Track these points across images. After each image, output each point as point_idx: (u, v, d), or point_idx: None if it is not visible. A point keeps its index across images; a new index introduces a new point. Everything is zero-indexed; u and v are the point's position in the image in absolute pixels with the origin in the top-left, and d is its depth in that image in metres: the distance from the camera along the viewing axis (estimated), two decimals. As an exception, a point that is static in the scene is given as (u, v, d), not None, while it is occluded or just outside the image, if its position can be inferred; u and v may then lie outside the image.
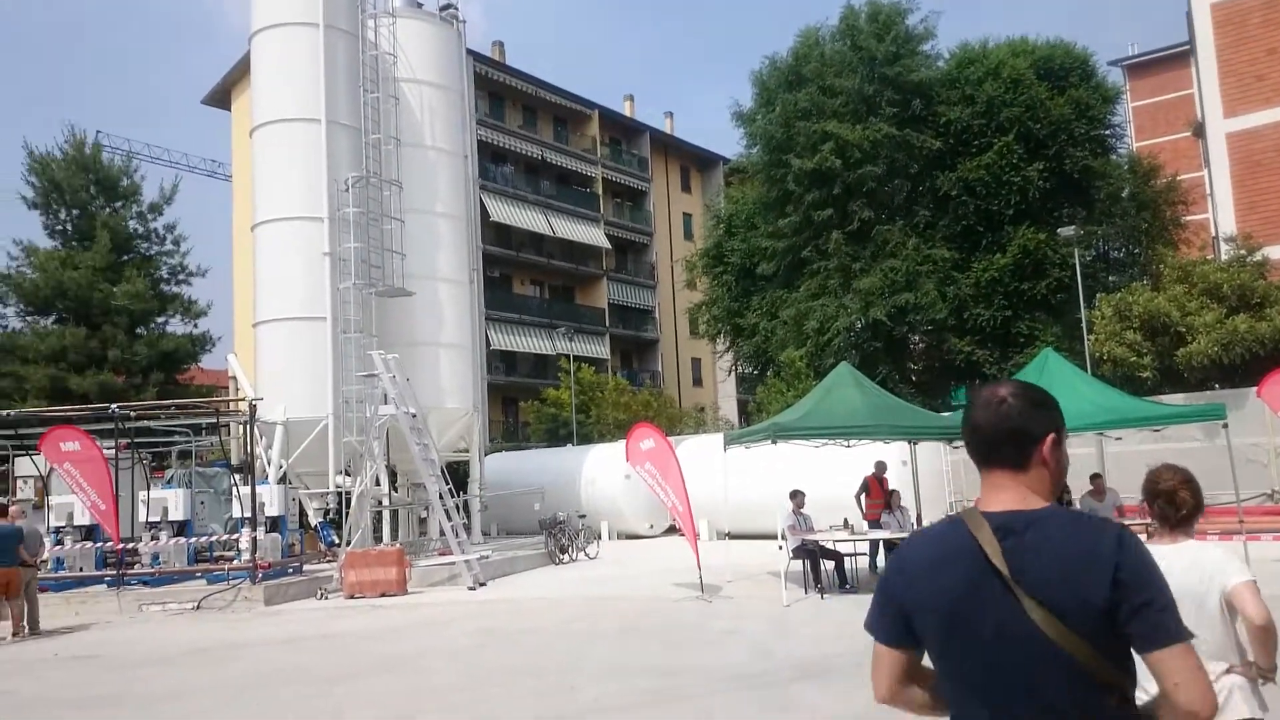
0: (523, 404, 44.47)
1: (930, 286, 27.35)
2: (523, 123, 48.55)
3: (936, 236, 28.85)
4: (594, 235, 49.47)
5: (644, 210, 54.22)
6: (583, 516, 22.98)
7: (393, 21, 23.07)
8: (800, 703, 7.74)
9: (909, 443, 16.76)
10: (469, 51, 26.19)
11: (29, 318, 33.57)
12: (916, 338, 30.73)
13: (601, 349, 48.80)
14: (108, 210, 34.40)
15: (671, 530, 26.21)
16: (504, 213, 44.44)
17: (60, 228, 34.34)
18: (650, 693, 8.26)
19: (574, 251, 49.79)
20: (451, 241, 23.79)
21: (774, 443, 13.39)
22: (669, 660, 9.68)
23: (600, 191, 51.03)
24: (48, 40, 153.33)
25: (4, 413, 20.30)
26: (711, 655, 9.88)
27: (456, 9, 25.15)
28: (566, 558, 20.98)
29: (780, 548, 13.74)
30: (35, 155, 33.97)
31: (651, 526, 26.54)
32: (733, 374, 41.13)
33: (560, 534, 21.22)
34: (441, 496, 18.32)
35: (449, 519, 18.09)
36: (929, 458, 19.06)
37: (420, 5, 24.52)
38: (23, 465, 22.16)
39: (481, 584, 17.05)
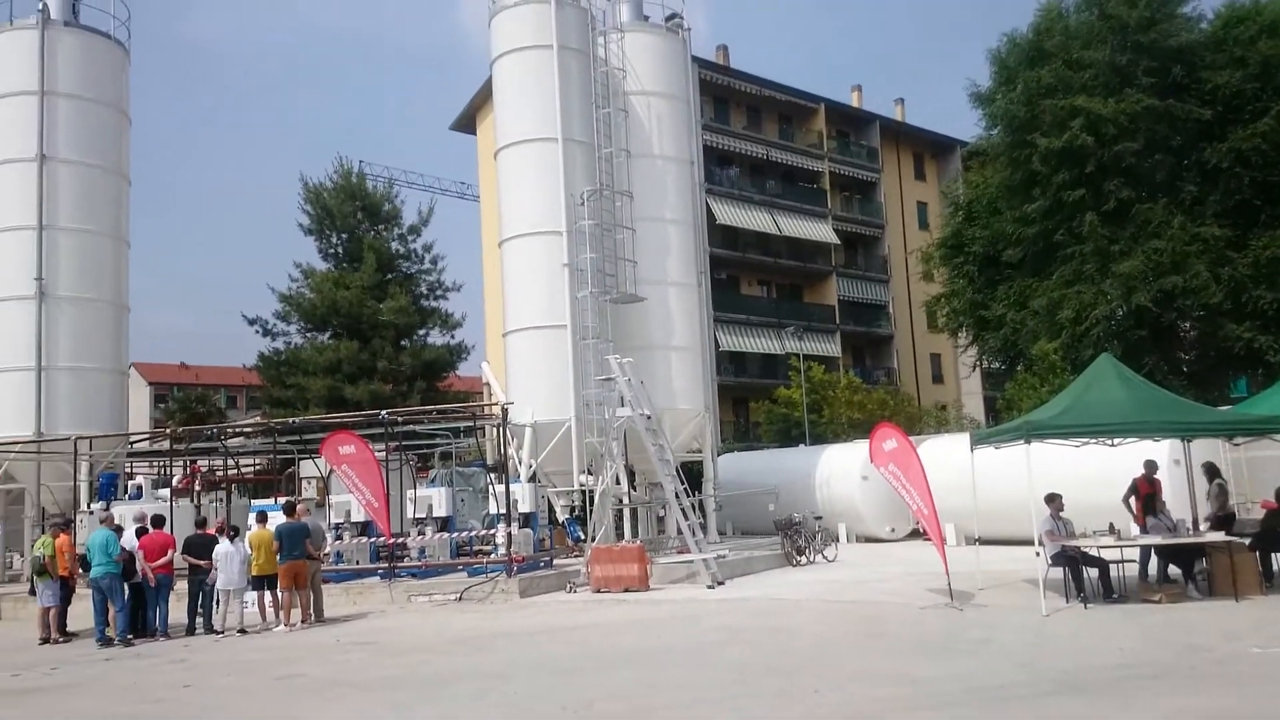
0: (753, 404, 44.49)
1: (1201, 268, 24.85)
2: (747, 124, 48.62)
3: (1206, 214, 26.17)
4: (822, 231, 48.74)
5: (874, 202, 52.80)
6: (819, 518, 22.67)
7: (621, 37, 23.80)
8: (1061, 717, 7.26)
9: (1182, 440, 15.30)
10: (694, 59, 26.63)
11: (309, 334, 37.38)
12: (1187, 325, 28.01)
13: (832, 347, 47.98)
14: (373, 234, 37.70)
15: (914, 534, 25.31)
16: (730, 215, 44.68)
17: (333, 251, 38.01)
18: (898, 700, 8.03)
19: (801, 249, 49.26)
20: (680, 247, 24.21)
21: (1027, 442, 12.65)
22: (916, 668, 9.37)
23: (827, 186, 50.20)
24: (323, 82, 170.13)
25: (290, 420, 22.70)
26: (962, 664, 9.46)
27: (682, 19, 25.61)
28: (804, 559, 20.76)
29: (1037, 554, 12.95)
30: (310, 186, 37.81)
31: (892, 530, 25.76)
32: (977, 369, 39.20)
33: (797, 535, 21.04)
34: (677, 495, 18.67)
35: (685, 518, 18.42)
36: (1207, 456, 17.30)
37: (647, 19, 25.14)
38: (306, 467, 24.65)
39: (720, 582, 17.21)
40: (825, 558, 21.08)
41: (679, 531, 19.21)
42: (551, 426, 21.33)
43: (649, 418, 19.47)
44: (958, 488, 16.27)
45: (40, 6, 23.61)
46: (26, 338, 22.49)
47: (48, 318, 22.70)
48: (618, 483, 20.42)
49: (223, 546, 14.80)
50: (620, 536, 20.79)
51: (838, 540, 23.45)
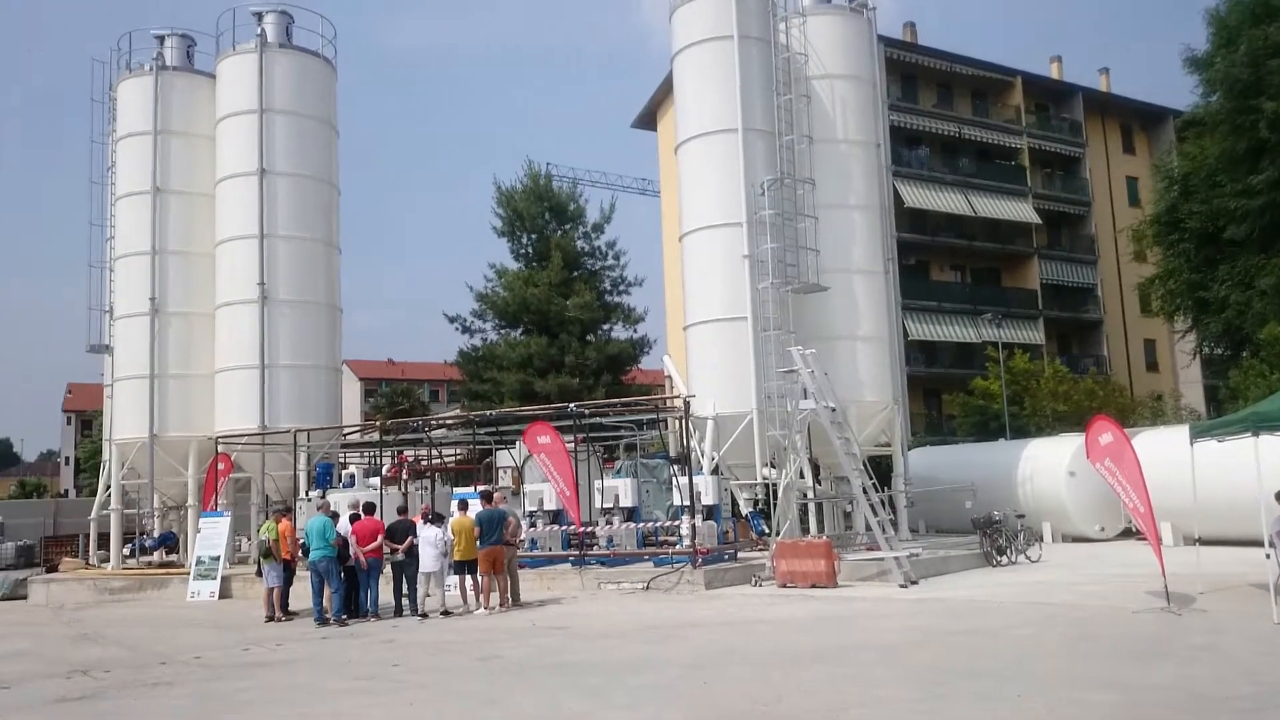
0: (946, 396, 42.75)
1: None
2: (937, 101, 46.70)
3: None
4: (1021, 211, 46.16)
5: (1078, 179, 49.53)
6: (1021, 516, 21.51)
7: (803, 21, 23.35)
8: (1307, 741, 6.55)
9: None
10: (879, 38, 25.77)
11: (502, 331, 38.96)
12: None
13: (1034, 334, 45.39)
14: (559, 233, 38.84)
15: (1126, 534, 23.64)
16: (919, 197, 43.05)
17: (523, 251, 39.42)
18: (1110, 708, 7.48)
19: (998, 231, 46.83)
20: (865, 233, 23.54)
21: (1255, 435, 11.51)
22: (1130, 675, 8.71)
23: (1026, 163, 47.50)
24: (513, 88, 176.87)
25: (487, 412, 23.72)
26: (1181, 672, 8.72)
27: (865, -2, 24.83)
28: (1004, 560, 19.78)
29: (1268, 556, 11.77)
30: (502, 190, 39.36)
31: (1102, 529, 24.12)
32: (1196, 356, 36.06)
33: (997, 534, 20.06)
34: (865, 491, 18.19)
35: (875, 514, 17.92)
36: None
37: (829, 0, 24.54)
38: (502, 457, 25.68)
39: (913, 582, 16.64)
40: (1028, 558, 20.01)
41: (867, 528, 18.73)
42: (733, 419, 21.26)
43: (834, 410, 19.05)
44: (1175, 485, 15.02)
45: (258, 31, 25.65)
46: (251, 339, 24.51)
47: (269, 320, 24.65)
48: (802, 476, 20.11)
49: (425, 532, 15.59)
50: (805, 531, 20.48)
51: (1041, 540, 22.19)
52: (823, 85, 23.41)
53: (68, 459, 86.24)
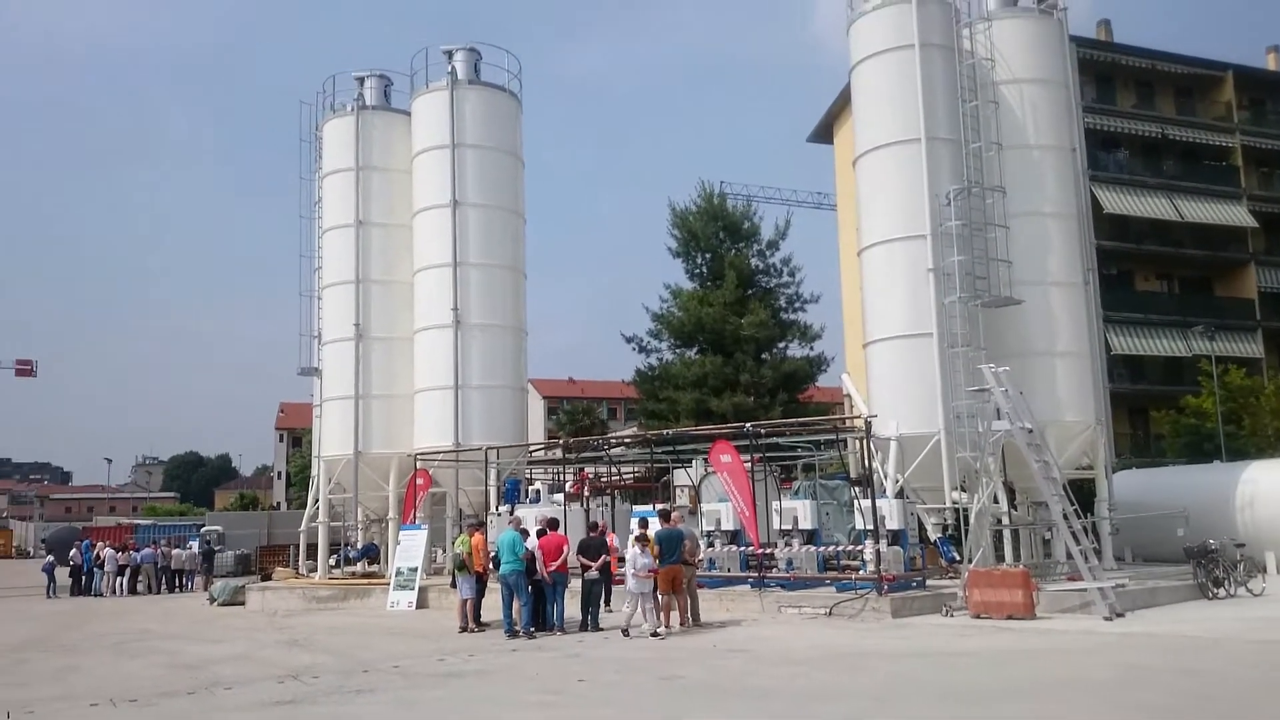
0: (1155, 414, 39.71)
1: None
2: (1137, 101, 43.75)
3: None
4: (1234, 214, 42.46)
5: (1302, 178, 45.17)
6: (1240, 545, 19.69)
7: (988, 26, 22.45)
8: None
9: None
10: (1071, 38, 24.45)
11: (677, 350, 39.29)
12: None
13: (1252, 347, 41.55)
14: (733, 251, 38.88)
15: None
16: (1119, 203, 40.36)
17: (697, 271, 39.69)
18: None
19: (1209, 236, 43.26)
20: (1061, 242, 22.30)
21: None
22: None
23: (1240, 163, 43.72)
24: (686, 106, 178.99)
25: (665, 431, 23.93)
26: None
27: (1056, -3, 23.63)
28: (1222, 592, 18.16)
29: None
30: (676, 211, 39.80)
31: (1339, 561, 21.76)
32: None
33: (1213, 564, 18.45)
34: (1066, 517, 17.14)
35: (1077, 542, 16.85)
36: None
37: (1015, 2, 23.51)
38: (679, 476, 25.82)
39: (1119, 614, 15.52)
40: (1249, 591, 18.31)
41: (1068, 556, 17.62)
42: (918, 440, 20.53)
43: (1030, 431, 18.08)
44: None
45: (449, 69, 27.12)
46: (446, 361, 25.80)
47: (462, 343, 25.88)
48: (995, 501, 19.17)
49: (632, 553, 15.29)
50: (1000, 559, 19.48)
51: (1264, 571, 20.25)
52: (1011, 90, 22.41)
53: (280, 473, 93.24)
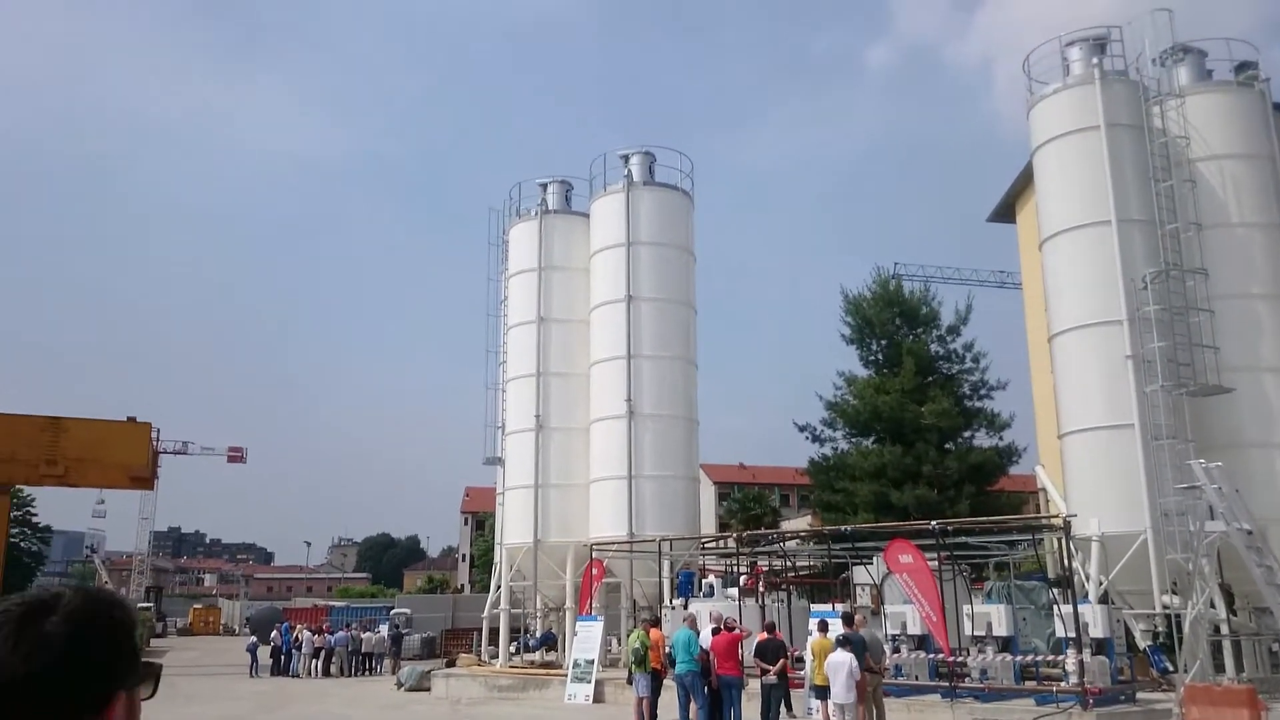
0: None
1: None
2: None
3: None
4: None
5: None
6: None
7: (1180, 103, 21.42)
8: None
9: None
10: (1276, 107, 22.88)
11: (853, 439, 38.29)
12: None
13: None
14: (910, 337, 37.87)
15: None
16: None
17: (873, 358, 38.80)
18: None
19: None
20: (1275, 325, 20.59)
21: None
22: None
23: None
24: (860, 189, 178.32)
25: (844, 528, 23.26)
26: None
27: (1257, 68, 22.32)
28: None
29: None
30: (849, 298, 39.30)
31: None
32: None
33: None
34: (1300, 629, 15.42)
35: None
36: None
37: (1210, 74, 22.36)
38: (859, 573, 24.95)
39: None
40: None
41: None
42: (1123, 539, 19.10)
43: (1249, 533, 16.51)
44: None
45: (625, 172, 28.25)
46: (620, 451, 26.22)
47: (635, 433, 26.29)
48: (1212, 607, 17.49)
49: (836, 657, 14.39)
50: (1220, 671, 17.67)
51: None
52: (1209, 167, 21.18)
53: (464, 555, 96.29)
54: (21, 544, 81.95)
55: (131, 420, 37.37)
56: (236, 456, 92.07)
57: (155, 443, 38.63)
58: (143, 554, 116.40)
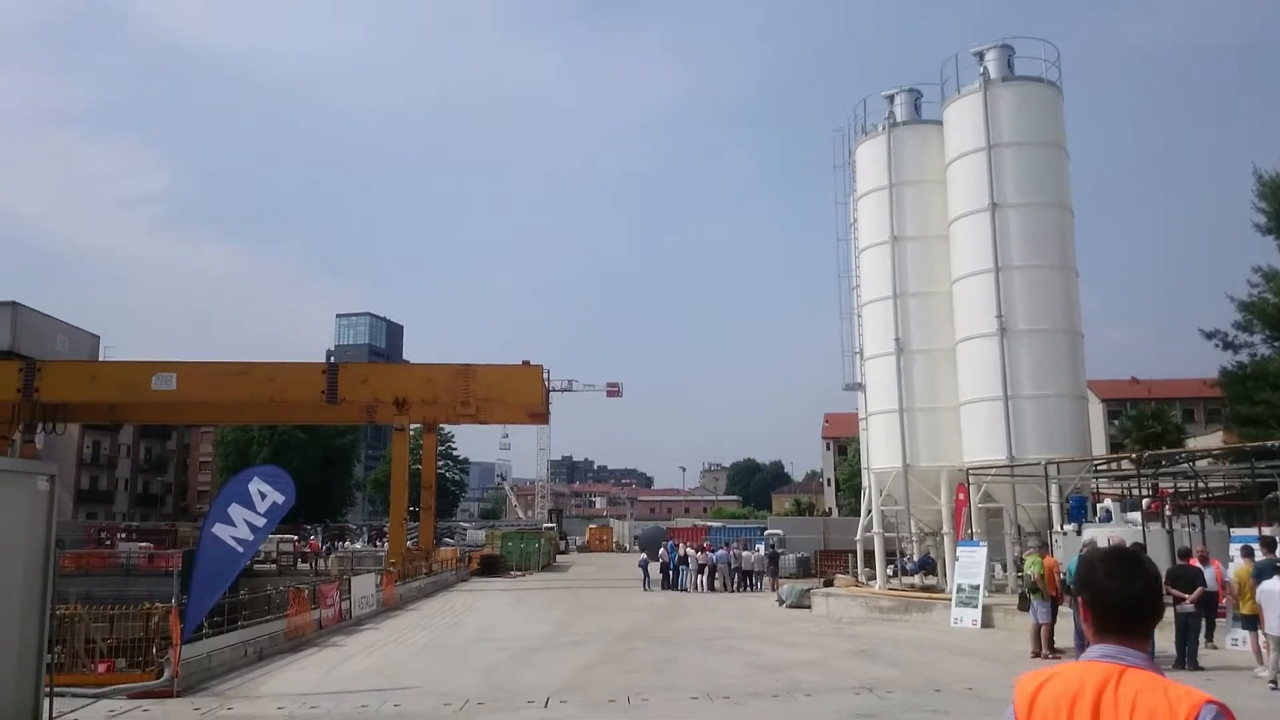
0: None
1: None
2: None
3: None
4: None
5: None
6: None
7: None
8: None
9: None
10: None
11: (1275, 343, 33.25)
12: None
13: None
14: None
15: None
16: None
17: (1297, 246, 33.24)
18: None
19: None
20: None
21: None
22: None
23: None
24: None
25: (1270, 444, 20.37)
26: None
27: None
28: None
29: None
30: (1264, 179, 33.82)
31: None
32: None
33: None
34: None
35: None
36: None
37: None
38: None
39: None
40: None
41: None
42: None
43: None
44: None
45: (981, 70, 26.14)
46: (992, 371, 24.81)
47: (1009, 351, 24.69)
48: None
49: (1271, 584, 12.77)
50: None
51: None
52: None
53: (829, 480, 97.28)
54: (447, 475, 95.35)
55: (526, 364, 41.78)
56: (614, 391, 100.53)
57: (547, 382, 42.95)
58: (543, 480, 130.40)
